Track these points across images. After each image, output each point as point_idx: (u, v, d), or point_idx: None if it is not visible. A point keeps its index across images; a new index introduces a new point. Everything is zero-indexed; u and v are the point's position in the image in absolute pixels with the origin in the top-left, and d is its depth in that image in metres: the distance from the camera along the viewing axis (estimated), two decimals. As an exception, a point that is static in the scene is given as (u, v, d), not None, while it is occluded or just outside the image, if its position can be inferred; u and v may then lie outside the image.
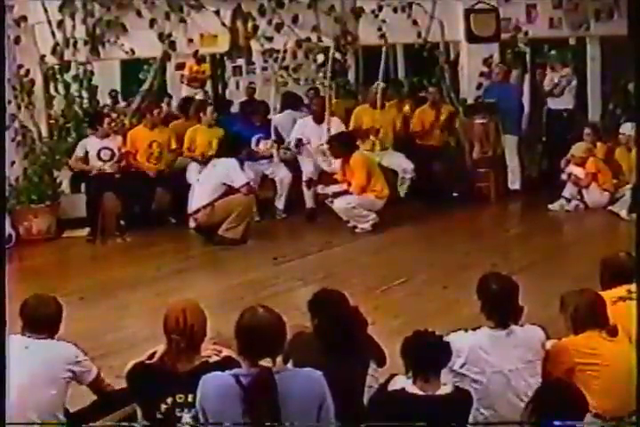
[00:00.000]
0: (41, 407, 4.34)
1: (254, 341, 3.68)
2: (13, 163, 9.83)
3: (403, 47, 13.65)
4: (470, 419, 4.16)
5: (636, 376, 3.97)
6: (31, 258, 9.29)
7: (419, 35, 11.20)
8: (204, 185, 9.53)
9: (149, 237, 9.90)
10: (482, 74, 11.58)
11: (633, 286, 4.79)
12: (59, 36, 10.22)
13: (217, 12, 10.47)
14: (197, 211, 9.49)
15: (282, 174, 10.60)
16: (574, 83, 11.95)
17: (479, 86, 11.58)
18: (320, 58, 11.35)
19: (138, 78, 12.09)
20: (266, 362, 3.63)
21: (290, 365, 4.32)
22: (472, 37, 11.30)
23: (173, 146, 10.56)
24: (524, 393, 4.45)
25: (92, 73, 10.63)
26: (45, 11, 10.11)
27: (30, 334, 4.46)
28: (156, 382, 4.05)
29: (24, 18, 9.99)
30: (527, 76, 12.62)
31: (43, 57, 10.23)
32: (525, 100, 12.21)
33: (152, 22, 10.39)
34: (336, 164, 10.17)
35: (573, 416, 3.68)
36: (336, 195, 9.87)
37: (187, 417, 3.96)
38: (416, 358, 4.08)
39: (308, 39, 10.80)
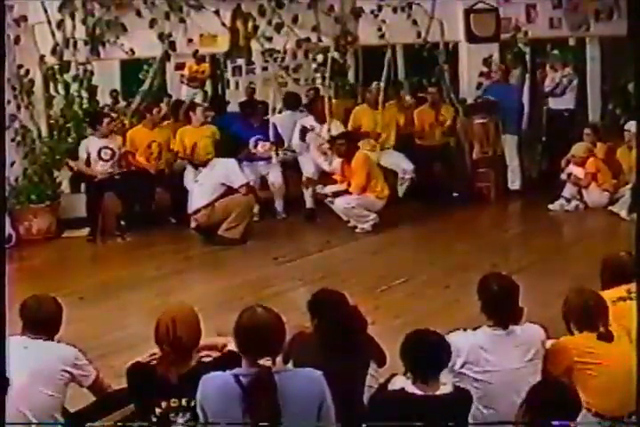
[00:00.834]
0: (38, 408, 4.33)
1: (253, 340, 3.67)
2: (13, 163, 9.82)
3: (403, 47, 13.63)
4: (470, 418, 4.16)
5: (636, 376, 3.97)
6: (31, 258, 9.30)
7: (419, 35, 11.21)
8: (203, 185, 9.53)
9: (149, 237, 9.90)
10: (482, 74, 11.58)
11: (633, 286, 4.79)
12: (59, 36, 10.23)
13: (217, 12, 10.47)
14: (197, 211, 9.49)
15: (273, 178, 10.58)
16: (575, 82, 11.95)
17: (479, 86, 11.58)
18: (320, 58, 11.33)
19: (138, 78, 12.08)
20: (265, 361, 3.62)
21: (290, 365, 4.32)
22: (472, 37, 11.30)
23: (173, 146, 10.55)
24: (525, 392, 4.45)
25: (91, 73, 10.62)
26: (45, 11, 10.11)
27: (30, 335, 4.46)
28: (151, 384, 4.06)
29: (24, 18, 9.99)
30: (527, 76, 12.61)
31: (43, 57, 10.23)
32: (525, 100, 12.21)
33: (152, 22, 10.39)
34: (335, 164, 10.18)
35: (566, 415, 3.68)
36: (336, 194, 9.87)
37: (180, 421, 3.98)
38: (415, 357, 4.07)
39: (308, 39, 10.80)
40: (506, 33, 11.46)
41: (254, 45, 10.77)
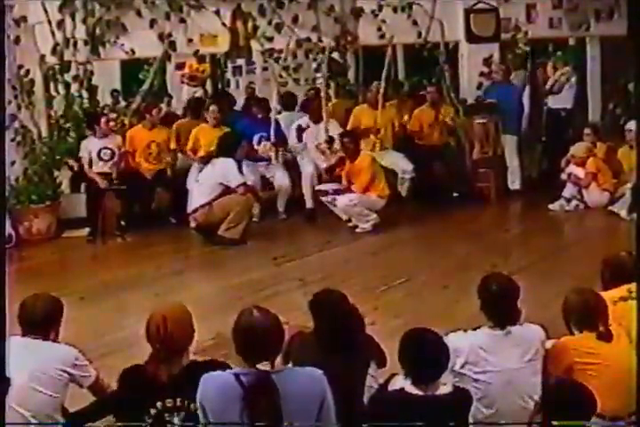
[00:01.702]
0: (37, 408, 4.33)
1: (250, 343, 3.68)
2: (13, 163, 9.83)
3: (403, 47, 13.65)
4: (470, 418, 4.16)
5: (636, 376, 3.97)
6: (31, 258, 9.30)
7: (419, 35, 11.20)
8: (202, 185, 9.54)
9: (149, 237, 9.90)
10: (482, 74, 11.57)
11: (634, 286, 4.78)
12: (59, 36, 10.23)
13: (217, 12, 10.47)
14: (195, 210, 9.50)
15: (279, 180, 10.57)
16: (574, 79, 11.98)
17: (479, 86, 11.58)
18: (320, 58, 11.34)
19: (138, 78, 12.10)
20: (263, 366, 3.62)
21: (290, 365, 4.32)
22: (472, 37, 11.30)
23: (172, 146, 10.56)
24: (525, 392, 4.46)
25: (91, 73, 10.61)
26: (45, 11, 10.11)
27: (30, 335, 4.46)
28: (142, 385, 4.03)
29: (24, 18, 10.00)
30: (527, 76, 12.61)
31: (43, 57, 10.24)
32: (525, 100, 12.20)
33: (152, 22, 10.39)
34: (333, 160, 10.21)
35: (581, 415, 3.68)
36: (337, 192, 9.88)
37: (177, 421, 3.96)
38: (413, 357, 4.07)
39: (308, 39, 10.80)
40: (506, 33, 11.46)
41: (254, 45, 10.77)
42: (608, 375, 4.47)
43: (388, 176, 10.50)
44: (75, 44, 10.30)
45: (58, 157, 10.29)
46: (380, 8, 10.95)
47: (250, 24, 10.60)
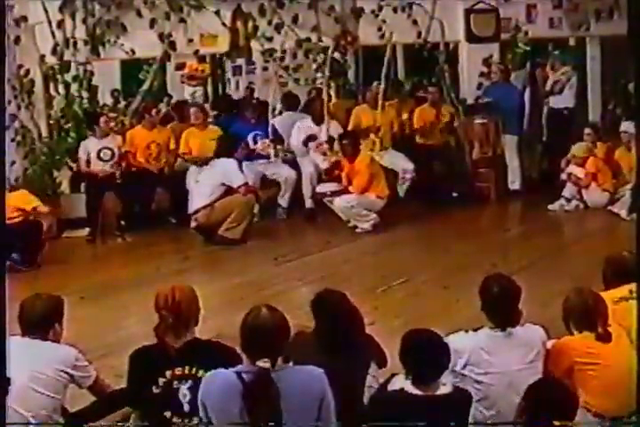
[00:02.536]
0: (37, 408, 4.32)
1: (254, 340, 3.69)
2: (13, 163, 9.83)
3: (403, 47, 13.65)
4: (471, 419, 4.16)
5: (636, 376, 3.97)
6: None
7: (419, 35, 11.21)
8: (203, 185, 9.54)
9: (149, 237, 9.90)
10: (482, 74, 11.58)
11: (635, 286, 4.78)
12: (59, 36, 10.23)
13: (217, 12, 10.47)
14: (197, 211, 9.50)
15: (286, 173, 10.58)
16: (574, 79, 11.99)
17: (479, 86, 11.58)
18: (320, 58, 11.34)
19: (138, 78, 12.09)
20: (264, 363, 3.62)
21: (290, 364, 4.31)
22: (472, 37, 11.30)
23: (172, 146, 10.56)
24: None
25: (91, 73, 10.61)
26: (45, 11, 10.11)
27: (29, 335, 4.45)
28: (152, 360, 4.19)
29: (24, 18, 10.00)
30: (527, 76, 12.61)
31: (43, 57, 10.24)
32: (525, 100, 12.20)
33: (152, 22, 10.39)
34: (332, 160, 10.22)
35: (563, 414, 3.68)
36: (335, 193, 9.88)
37: (184, 389, 4.08)
38: (414, 357, 4.07)
39: (308, 39, 10.80)
40: (506, 33, 11.46)
41: (254, 45, 10.77)
42: (608, 375, 4.47)
43: (388, 176, 10.50)
44: (75, 44, 10.30)
45: (58, 157, 10.29)
46: (380, 8, 10.95)
47: (250, 24, 10.60)
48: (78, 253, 9.51)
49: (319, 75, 11.85)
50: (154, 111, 10.59)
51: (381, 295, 7.48)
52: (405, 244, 9.66)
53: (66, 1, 10.21)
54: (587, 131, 10.97)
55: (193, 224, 9.59)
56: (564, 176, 10.70)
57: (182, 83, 14.54)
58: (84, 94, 10.67)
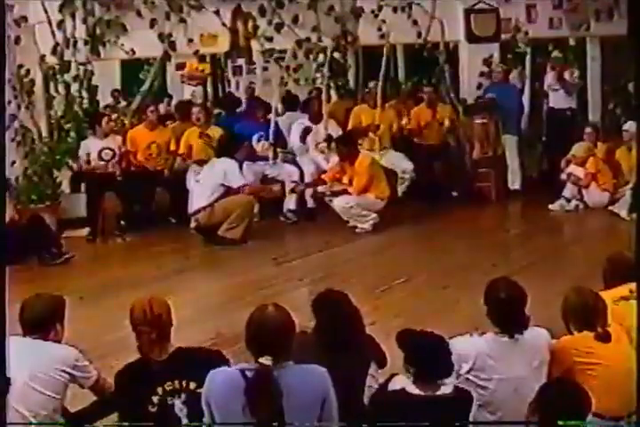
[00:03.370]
0: (38, 408, 4.32)
1: (258, 337, 3.70)
2: (13, 163, 9.83)
3: (403, 47, 13.65)
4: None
5: (636, 376, 3.97)
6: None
7: (419, 35, 11.21)
8: (203, 186, 9.53)
9: (149, 237, 9.90)
10: (482, 74, 11.58)
11: (635, 286, 4.77)
12: (59, 36, 10.24)
13: (217, 12, 10.48)
14: (197, 212, 9.50)
15: (289, 172, 10.56)
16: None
17: (479, 86, 11.59)
18: (320, 58, 11.34)
19: (138, 78, 12.09)
20: (265, 360, 3.63)
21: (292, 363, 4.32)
22: (472, 37, 11.31)
23: (173, 147, 10.56)
24: (531, 399, 4.43)
25: (92, 73, 10.61)
26: (45, 11, 10.12)
27: (30, 335, 4.45)
28: (140, 378, 4.13)
29: (24, 18, 10.00)
30: (527, 76, 12.61)
31: (43, 57, 10.24)
32: (525, 100, 12.20)
33: (152, 22, 10.39)
34: (332, 162, 10.21)
35: (575, 415, 3.67)
36: (335, 193, 9.87)
37: (178, 403, 4.03)
38: (421, 359, 4.06)
39: (308, 39, 10.80)
40: (506, 33, 11.47)
41: (254, 45, 10.78)
42: (608, 375, 4.47)
43: (388, 176, 10.50)
44: (75, 44, 10.30)
45: (58, 157, 10.29)
46: (380, 8, 10.95)
47: (250, 24, 10.60)
48: (78, 253, 9.49)
49: (319, 75, 11.86)
50: (150, 111, 10.56)
51: (381, 295, 7.48)
52: (405, 244, 9.66)
53: (66, 1, 10.21)
54: (587, 131, 10.98)
55: (193, 224, 9.59)
56: (564, 176, 10.70)
57: (182, 82, 14.53)
58: (84, 94, 10.68)
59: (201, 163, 9.96)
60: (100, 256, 9.62)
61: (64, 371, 4.38)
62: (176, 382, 4.03)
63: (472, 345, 4.47)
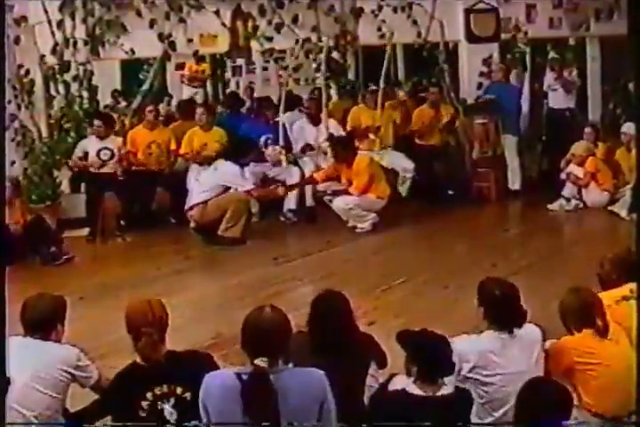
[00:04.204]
0: (38, 408, 4.32)
1: (254, 339, 3.70)
2: (13, 163, 9.83)
3: (403, 47, 13.65)
4: (479, 420, 4.16)
5: (636, 376, 3.97)
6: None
7: (419, 35, 11.21)
8: (202, 185, 9.53)
9: (149, 237, 9.90)
10: (482, 74, 11.58)
11: (635, 286, 4.78)
12: (59, 36, 10.24)
13: (217, 12, 10.48)
14: (191, 208, 9.50)
15: (290, 172, 10.54)
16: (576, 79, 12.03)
17: (479, 86, 11.58)
18: (320, 58, 11.34)
19: (138, 78, 12.09)
20: (260, 362, 3.63)
21: (290, 365, 4.31)
22: (472, 37, 11.30)
23: (173, 147, 10.56)
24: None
25: (91, 73, 10.61)
26: (45, 11, 10.12)
27: (31, 335, 4.45)
28: (136, 381, 4.10)
29: (24, 18, 10.01)
30: (527, 76, 12.61)
31: (43, 57, 10.24)
32: (525, 100, 12.20)
33: (152, 22, 10.40)
34: (329, 162, 10.22)
35: (557, 414, 3.67)
36: (335, 193, 9.87)
37: (167, 408, 4.02)
38: (424, 358, 4.06)
39: (308, 39, 10.80)
40: (506, 33, 11.46)
41: (254, 45, 10.78)
42: (608, 375, 4.47)
43: (389, 176, 10.51)
44: (75, 44, 10.31)
45: (58, 157, 10.30)
46: (380, 8, 10.95)
47: (250, 24, 10.61)
48: (78, 253, 9.49)
49: (319, 75, 11.86)
50: (148, 111, 10.56)
51: (381, 295, 7.48)
52: (405, 244, 9.66)
53: (66, 1, 10.22)
54: (587, 130, 10.97)
55: (192, 224, 9.60)
56: (563, 176, 10.71)
57: (182, 83, 14.52)
58: (84, 94, 10.67)
59: (202, 163, 9.95)
60: (99, 256, 9.61)
61: (66, 371, 4.38)
62: (164, 386, 4.02)
63: (472, 344, 4.48)
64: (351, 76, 13.72)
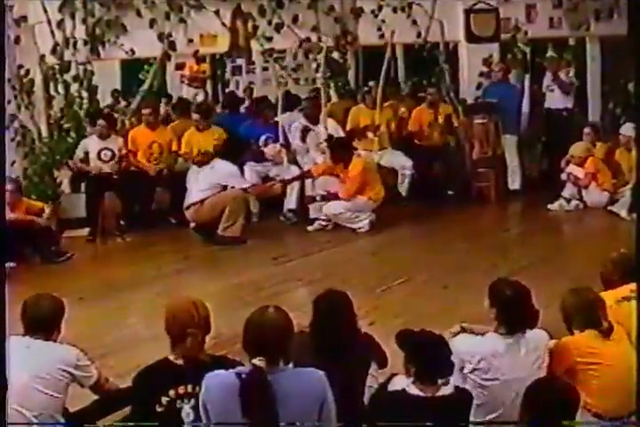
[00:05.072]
0: (38, 408, 4.32)
1: (254, 339, 3.70)
2: (13, 163, 9.83)
3: (403, 47, 13.65)
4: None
5: (637, 376, 3.97)
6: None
7: (418, 35, 11.21)
8: (200, 184, 9.52)
9: (149, 237, 9.90)
10: (482, 74, 11.58)
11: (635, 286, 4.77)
12: (59, 36, 10.23)
13: (217, 12, 10.47)
14: (188, 207, 9.50)
15: (291, 172, 10.52)
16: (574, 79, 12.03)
17: (479, 86, 11.58)
18: (320, 58, 11.34)
19: (138, 78, 12.09)
20: (259, 361, 3.63)
21: (291, 365, 4.32)
22: (472, 37, 11.30)
23: (174, 147, 10.55)
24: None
25: (92, 73, 10.60)
26: (45, 11, 10.11)
27: (32, 335, 4.46)
28: (161, 379, 4.05)
29: (24, 18, 10.00)
30: (527, 76, 12.62)
31: (43, 57, 10.23)
32: (525, 99, 12.20)
33: (152, 22, 10.39)
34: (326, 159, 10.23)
35: (564, 414, 3.67)
36: (324, 198, 9.84)
37: (186, 408, 3.99)
38: (419, 358, 4.07)
39: (308, 39, 10.80)
40: (506, 33, 11.46)
41: (254, 45, 10.77)
42: (609, 375, 4.47)
43: (388, 176, 10.51)
44: (75, 44, 10.30)
45: (58, 157, 10.28)
46: (380, 8, 10.95)
47: (250, 24, 10.60)
48: (78, 253, 9.50)
49: (319, 75, 11.86)
50: (145, 110, 10.55)
51: (381, 295, 7.47)
52: (405, 244, 9.66)
53: (66, 1, 10.21)
54: (586, 131, 10.97)
55: (191, 224, 9.60)
56: (563, 176, 10.71)
57: (182, 83, 14.54)
58: (84, 94, 10.66)
59: (201, 164, 9.94)
60: (99, 256, 9.62)
61: (66, 371, 4.39)
62: (189, 386, 3.98)
63: (477, 345, 4.46)
64: (351, 76, 13.71)
